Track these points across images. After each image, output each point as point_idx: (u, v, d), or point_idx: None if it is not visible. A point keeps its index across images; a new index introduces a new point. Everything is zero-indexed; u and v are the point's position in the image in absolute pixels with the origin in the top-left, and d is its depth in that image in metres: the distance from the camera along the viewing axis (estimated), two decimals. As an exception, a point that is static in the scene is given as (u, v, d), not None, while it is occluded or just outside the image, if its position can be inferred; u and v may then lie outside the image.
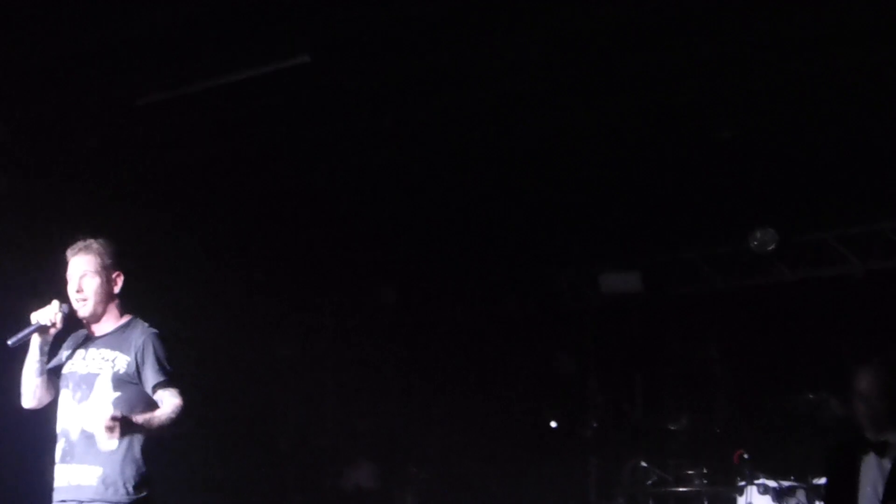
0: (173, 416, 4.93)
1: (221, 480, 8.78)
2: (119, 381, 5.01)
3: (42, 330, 5.02)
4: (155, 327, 5.16)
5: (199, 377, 5.71)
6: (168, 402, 4.97)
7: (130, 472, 4.93)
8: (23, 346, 5.06)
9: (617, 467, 9.89)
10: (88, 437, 4.96)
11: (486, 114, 7.60)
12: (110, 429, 4.68)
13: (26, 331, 5.00)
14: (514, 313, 10.49)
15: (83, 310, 5.12)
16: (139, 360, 5.02)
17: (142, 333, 5.09)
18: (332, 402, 10.18)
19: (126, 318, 5.18)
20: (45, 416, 5.18)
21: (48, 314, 5.00)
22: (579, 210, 9.08)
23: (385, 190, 8.66)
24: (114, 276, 5.15)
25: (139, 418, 4.81)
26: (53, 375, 5.15)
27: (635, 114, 7.56)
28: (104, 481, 4.90)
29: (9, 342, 4.97)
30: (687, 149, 8.09)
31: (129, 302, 5.23)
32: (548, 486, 9.77)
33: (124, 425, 4.70)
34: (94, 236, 5.21)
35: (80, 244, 5.18)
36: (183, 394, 5.02)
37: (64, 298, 5.10)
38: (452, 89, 7.27)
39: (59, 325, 5.03)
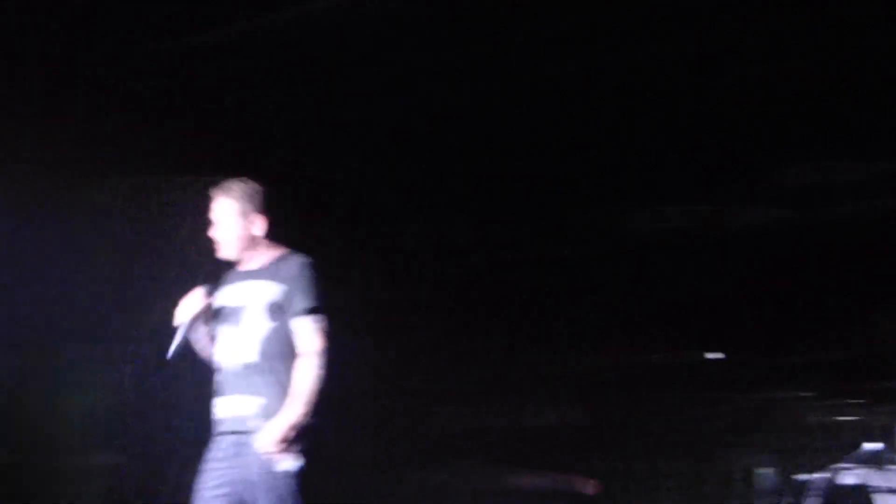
0: (319, 372, 4.90)
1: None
2: (274, 312, 4.99)
3: (194, 321, 5.04)
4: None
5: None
6: (309, 346, 4.92)
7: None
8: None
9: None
10: (246, 368, 4.96)
11: (517, 52, 7.43)
12: (279, 448, 4.77)
13: (179, 336, 5.02)
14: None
15: (225, 252, 5.14)
16: (292, 287, 4.99)
17: (296, 262, 5.07)
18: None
19: (279, 251, 5.16)
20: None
21: (194, 306, 5.04)
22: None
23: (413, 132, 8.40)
24: (255, 218, 5.12)
25: (292, 416, 4.80)
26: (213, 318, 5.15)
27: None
28: (265, 410, 4.89)
29: (168, 357, 5.01)
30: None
31: (278, 238, 5.17)
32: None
33: (289, 438, 4.77)
34: (238, 177, 5.20)
35: (222, 186, 5.16)
36: (328, 326, 4.98)
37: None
38: (479, 29, 7.17)
39: (210, 307, 5.04)
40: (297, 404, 4.84)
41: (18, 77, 6.93)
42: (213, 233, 5.15)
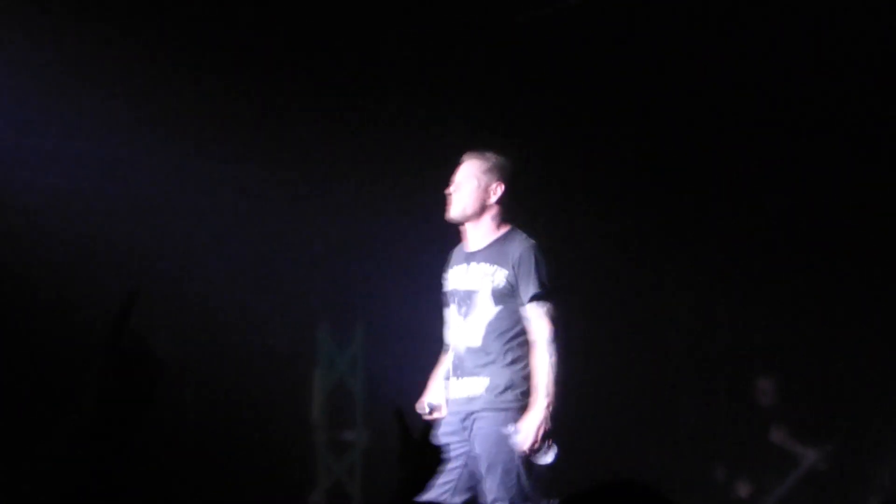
0: (553, 359, 4.96)
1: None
2: (499, 296, 5.07)
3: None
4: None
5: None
6: (539, 333, 4.99)
7: (518, 378, 5.02)
8: None
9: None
10: (474, 352, 5.08)
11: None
12: (539, 449, 4.91)
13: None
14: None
15: (453, 208, 5.18)
16: (517, 272, 5.05)
17: (520, 244, 5.11)
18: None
19: (504, 230, 5.19)
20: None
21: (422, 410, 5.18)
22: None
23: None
24: (493, 185, 5.15)
25: (538, 412, 4.90)
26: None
27: None
28: (493, 390, 5.02)
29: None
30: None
31: (509, 216, 5.20)
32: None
33: (544, 436, 4.90)
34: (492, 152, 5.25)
35: (474, 152, 5.23)
36: (556, 308, 5.04)
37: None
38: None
39: (437, 412, 5.15)
40: (539, 398, 4.95)
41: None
42: (450, 191, 5.20)
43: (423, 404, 5.24)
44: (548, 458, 4.98)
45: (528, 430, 4.95)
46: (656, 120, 7.70)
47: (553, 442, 4.96)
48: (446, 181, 5.27)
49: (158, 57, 6.54)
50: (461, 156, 5.27)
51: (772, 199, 8.07)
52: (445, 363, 5.31)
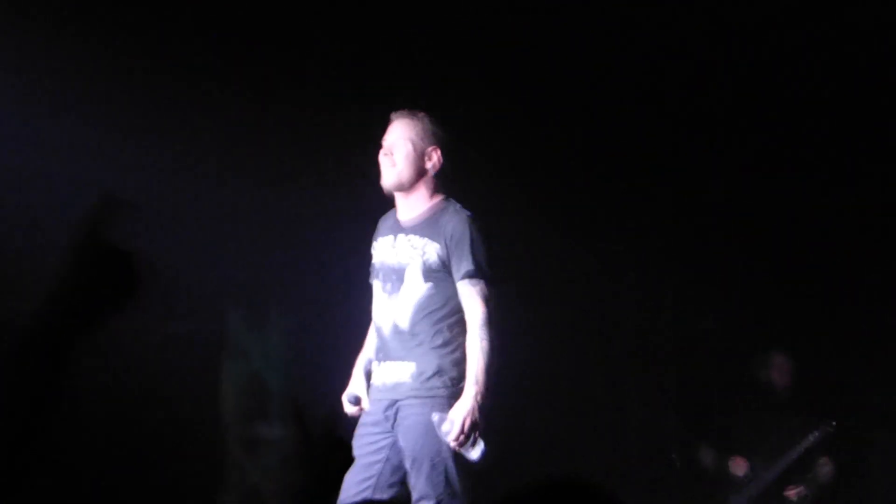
0: (485, 344, 4.54)
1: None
2: (429, 272, 4.64)
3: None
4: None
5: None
6: (472, 315, 4.57)
7: (447, 363, 4.60)
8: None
9: None
10: (400, 333, 4.65)
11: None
12: (465, 441, 4.47)
13: None
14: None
15: (387, 176, 4.73)
16: (449, 246, 4.63)
17: (454, 217, 4.69)
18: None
19: (437, 200, 4.75)
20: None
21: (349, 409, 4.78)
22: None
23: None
24: (430, 149, 4.72)
25: (469, 400, 4.47)
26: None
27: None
28: (420, 376, 4.59)
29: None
30: None
31: (445, 186, 4.79)
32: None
33: (472, 428, 4.46)
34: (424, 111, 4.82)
35: (405, 111, 4.79)
36: (491, 286, 4.62)
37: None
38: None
39: (361, 406, 4.75)
40: (470, 385, 4.52)
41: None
42: (382, 157, 4.76)
43: (346, 398, 4.81)
44: (474, 453, 4.53)
45: (455, 420, 4.49)
46: (603, 96, 7.36)
47: (479, 436, 4.51)
48: (368, 150, 4.86)
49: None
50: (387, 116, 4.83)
51: (717, 183, 7.81)
52: (369, 346, 4.88)
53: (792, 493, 6.93)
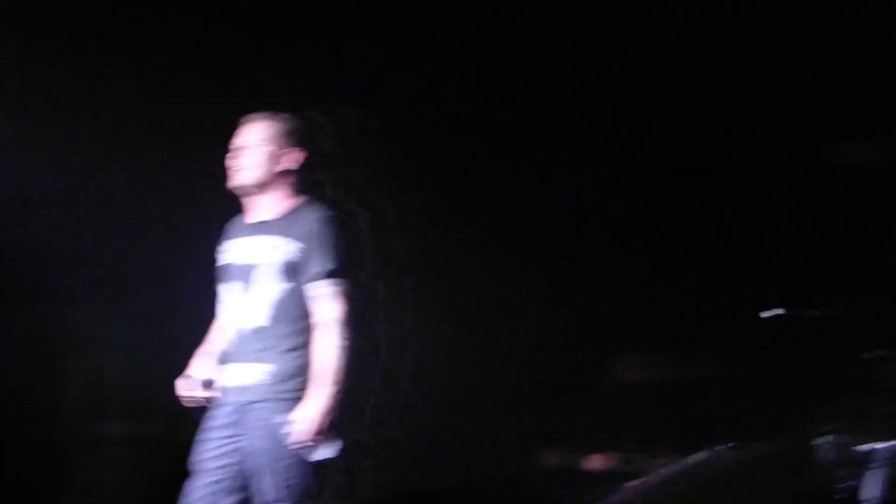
0: (344, 342, 4.45)
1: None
2: (288, 272, 4.53)
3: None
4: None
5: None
6: (330, 313, 4.47)
7: (304, 364, 4.48)
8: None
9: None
10: (254, 334, 4.52)
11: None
12: (316, 439, 4.39)
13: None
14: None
15: (234, 179, 4.64)
16: (310, 245, 4.52)
17: (316, 215, 4.59)
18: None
19: (297, 200, 4.67)
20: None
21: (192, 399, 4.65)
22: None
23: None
24: (287, 150, 4.63)
25: (321, 400, 4.37)
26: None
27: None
28: (274, 378, 4.48)
29: None
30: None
31: (307, 185, 4.72)
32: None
33: (326, 427, 4.39)
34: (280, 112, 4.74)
35: (255, 115, 4.70)
36: (353, 286, 4.54)
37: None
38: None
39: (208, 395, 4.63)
40: (323, 385, 4.41)
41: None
42: (232, 158, 4.67)
43: (193, 382, 4.67)
44: (328, 452, 4.45)
45: (305, 420, 4.40)
46: (522, 81, 7.22)
47: (333, 435, 4.44)
48: (217, 144, 4.76)
49: None
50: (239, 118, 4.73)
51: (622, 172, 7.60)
52: (215, 343, 4.76)
53: None
